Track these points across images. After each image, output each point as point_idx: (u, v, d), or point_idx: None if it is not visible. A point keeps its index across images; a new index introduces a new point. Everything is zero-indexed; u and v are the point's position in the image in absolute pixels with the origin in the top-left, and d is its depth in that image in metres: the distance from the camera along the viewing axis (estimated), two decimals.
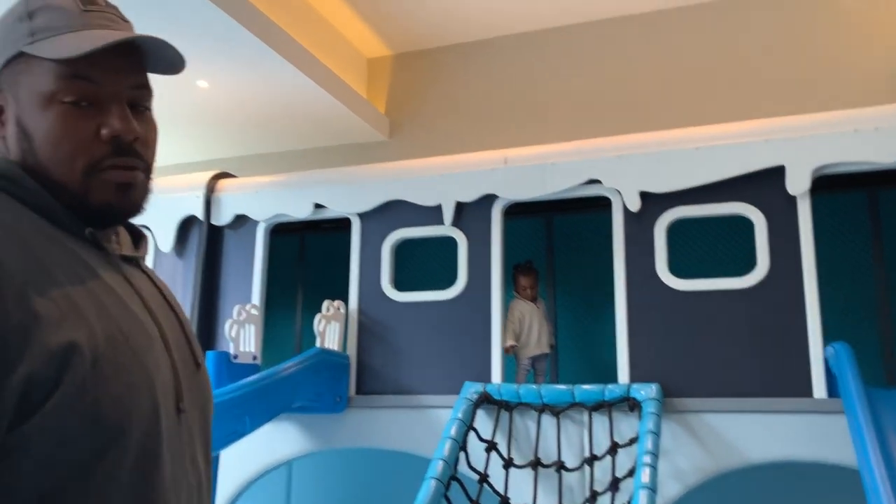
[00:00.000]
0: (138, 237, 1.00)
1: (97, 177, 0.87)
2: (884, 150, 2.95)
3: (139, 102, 0.91)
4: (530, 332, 3.75)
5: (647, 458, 2.69)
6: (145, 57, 0.92)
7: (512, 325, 3.69)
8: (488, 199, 3.52)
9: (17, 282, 0.75)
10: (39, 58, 0.86)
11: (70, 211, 0.87)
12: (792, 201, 3.06)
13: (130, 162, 0.89)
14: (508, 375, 3.47)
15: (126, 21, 0.94)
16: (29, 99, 0.86)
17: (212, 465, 1.00)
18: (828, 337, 2.97)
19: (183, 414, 0.89)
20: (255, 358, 3.57)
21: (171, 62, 0.94)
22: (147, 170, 0.92)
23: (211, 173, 4.06)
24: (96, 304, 0.81)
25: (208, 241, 3.95)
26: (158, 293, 0.97)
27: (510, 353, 3.64)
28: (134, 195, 0.90)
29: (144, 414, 0.81)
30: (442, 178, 3.59)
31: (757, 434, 2.95)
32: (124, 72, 0.89)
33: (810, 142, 3.04)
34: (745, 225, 3.17)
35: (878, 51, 4.39)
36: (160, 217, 3.94)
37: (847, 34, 4.48)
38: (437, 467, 2.89)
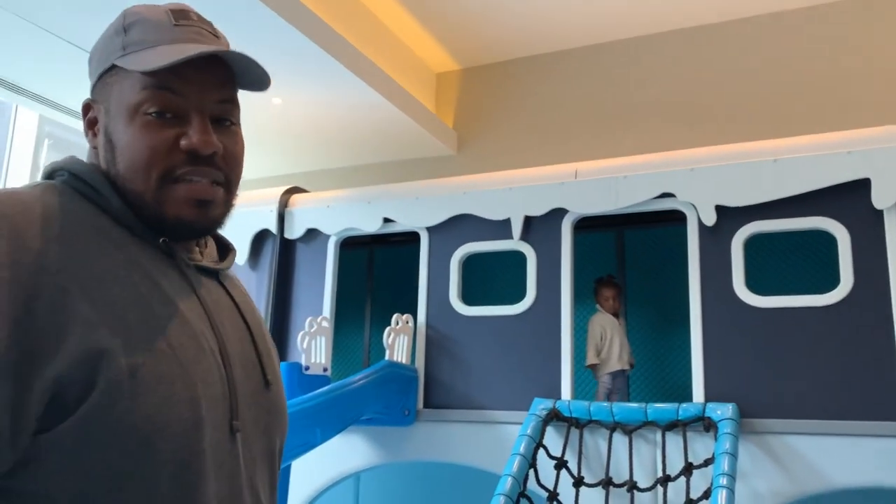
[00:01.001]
0: (226, 250, 1.01)
1: (172, 188, 0.87)
2: None
3: (224, 117, 0.92)
4: (612, 347, 3.68)
5: (724, 480, 2.61)
6: (232, 73, 0.93)
7: (594, 340, 3.64)
8: (558, 213, 3.49)
9: (56, 281, 0.75)
10: (129, 70, 0.87)
11: (145, 222, 0.87)
12: (878, 215, 2.93)
13: (209, 176, 0.88)
14: (578, 392, 3.42)
15: (218, 36, 0.95)
16: (117, 110, 0.88)
17: (276, 490, 0.96)
18: None
19: (238, 434, 0.86)
20: (325, 370, 3.62)
21: (258, 79, 0.95)
22: (228, 185, 0.91)
23: (283, 188, 4.16)
24: (146, 313, 0.80)
25: (281, 254, 4.04)
26: (233, 306, 0.95)
27: (592, 370, 3.62)
28: (211, 211, 0.90)
29: (182, 428, 0.78)
30: (511, 191, 3.58)
31: (841, 458, 2.82)
32: (209, 86, 0.89)
33: None
34: (827, 240, 3.04)
35: None
36: (235, 230, 4.04)
37: None
38: (506, 484, 2.86)
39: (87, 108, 0.94)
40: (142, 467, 0.75)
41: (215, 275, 0.96)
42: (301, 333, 3.54)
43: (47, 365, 0.71)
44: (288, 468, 3.37)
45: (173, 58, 0.84)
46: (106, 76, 0.90)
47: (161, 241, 0.88)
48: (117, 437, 0.73)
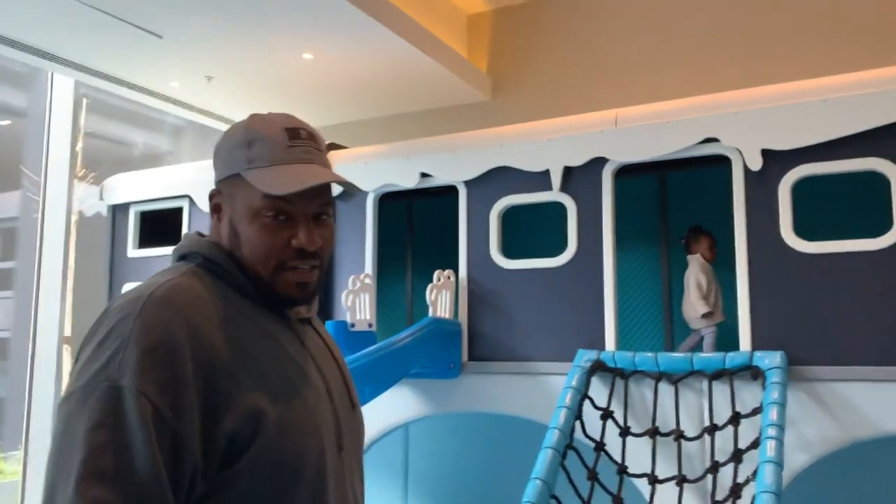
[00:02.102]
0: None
1: (283, 274, 1.11)
2: None
3: (323, 213, 1.15)
4: (719, 297, 3.60)
5: (773, 431, 2.61)
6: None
7: (700, 290, 3.55)
8: (598, 163, 3.43)
9: (227, 359, 1.01)
10: (251, 182, 1.09)
11: (261, 292, 1.12)
12: None
13: (310, 263, 1.13)
14: (622, 343, 3.42)
15: (321, 150, 1.16)
16: (241, 210, 1.11)
17: (364, 482, 1.23)
18: None
19: (343, 451, 1.12)
20: (370, 325, 3.68)
21: (349, 191, 1.22)
22: (322, 266, 1.16)
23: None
24: (280, 372, 1.06)
25: None
26: (325, 347, 1.21)
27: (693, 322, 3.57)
28: (309, 289, 1.15)
29: (314, 457, 1.06)
30: (549, 142, 3.52)
31: (891, 403, 2.79)
32: (313, 196, 1.11)
33: None
34: (880, 182, 2.94)
35: None
36: None
37: None
38: (553, 437, 2.91)
39: (213, 195, 1.16)
40: (290, 488, 1.03)
41: (308, 321, 1.20)
42: (345, 292, 3.59)
43: (223, 421, 0.97)
44: None
45: (294, 187, 1.08)
46: (232, 179, 1.13)
47: (278, 307, 1.13)
48: (273, 469, 1.01)
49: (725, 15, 4.68)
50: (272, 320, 1.12)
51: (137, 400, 0.92)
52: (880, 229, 2.91)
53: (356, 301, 3.62)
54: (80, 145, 5.91)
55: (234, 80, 5.06)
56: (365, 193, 3.99)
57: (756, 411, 2.81)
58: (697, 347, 3.59)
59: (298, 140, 1.13)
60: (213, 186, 1.17)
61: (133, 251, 4.59)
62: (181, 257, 1.14)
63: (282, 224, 1.10)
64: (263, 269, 1.10)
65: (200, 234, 1.18)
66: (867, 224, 3.06)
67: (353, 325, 3.56)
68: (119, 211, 4.71)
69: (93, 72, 4.79)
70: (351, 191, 1.21)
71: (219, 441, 0.97)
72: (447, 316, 3.64)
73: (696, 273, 3.62)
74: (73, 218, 5.80)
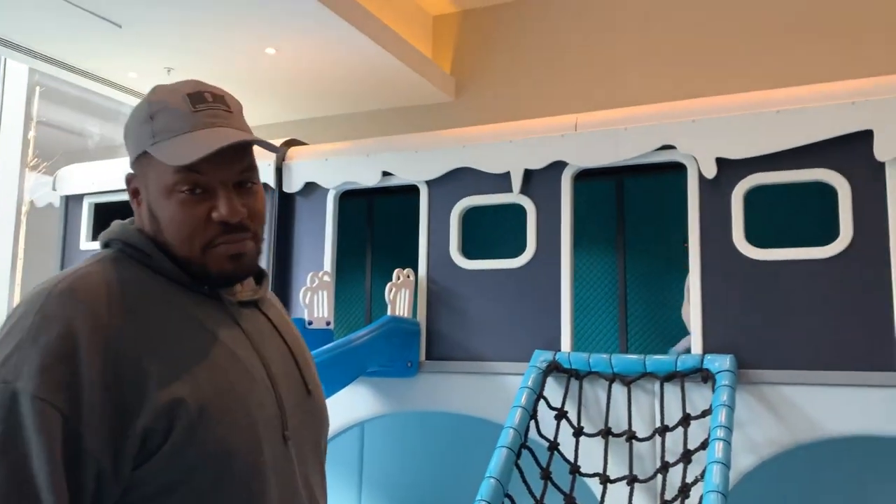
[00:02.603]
0: (261, 277, 1.16)
1: (212, 251, 1.03)
2: None
3: (246, 181, 1.06)
4: None
5: (721, 433, 2.67)
6: (248, 142, 1.06)
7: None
8: (558, 166, 3.47)
9: (134, 348, 0.93)
10: (157, 158, 1.02)
11: (191, 275, 1.04)
12: (879, 167, 2.92)
13: (238, 237, 1.04)
14: (578, 344, 3.47)
15: (231, 111, 1.07)
16: (155, 189, 1.04)
17: (325, 476, 1.16)
18: None
19: (290, 442, 1.04)
20: (328, 323, 3.66)
21: (267, 149, 1.11)
22: (256, 236, 1.07)
23: (280, 141, 4.12)
24: (205, 359, 0.98)
25: (280, 208, 4.03)
26: (273, 329, 1.12)
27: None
28: (245, 261, 1.06)
29: (245, 448, 0.97)
30: (510, 144, 3.55)
31: (835, 407, 2.89)
32: (229, 161, 1.03)
33: None
34: (828, 192, 3.04)
35: None
36: None
37: None
38: (508, 436, 2.93)
39: (129, 180, 1.09)
40: (218, 485, 0.95)
41: (254, 303, 1.12)
42: (303, 289, 3.57)
43: (136, 417, 0.90)
44: None
45: (197, 154, 0.99)
46: (142, 158, 1.05)
47: (205, 287, 1.05)
48: (196, 465, 0.93)
49: (684, 25, 4.78)
50: (202, 304, 1.03)
51: (33, 403, 0.86)
52: (829, 238, 3.00)
53: (314, 299, 3.61)
54: (32, 134, 5.76)
55: (194, 73, 4.98)
56: (325, 190, 3.97)
57: (705, 413, 2.87)
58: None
59: (203, 104, 1.04)
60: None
61: (86, 244, 4.50)
62: (105, 245, 1.07)
63: (199, 198, 1.02)
64: (190, 250, 1.02)
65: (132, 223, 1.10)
66: (818, 233, 3.15)
67: (310, 323, 3.55)
68: (72, 202, 4.61)
69: (48, 59, 4.68)
70: (268, 149, 1.11)
71: (132, 439, 0.90)
72: (406, 315, 3.65)
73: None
74: (24, 208, 5.65)
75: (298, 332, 1.20)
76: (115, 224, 1.09)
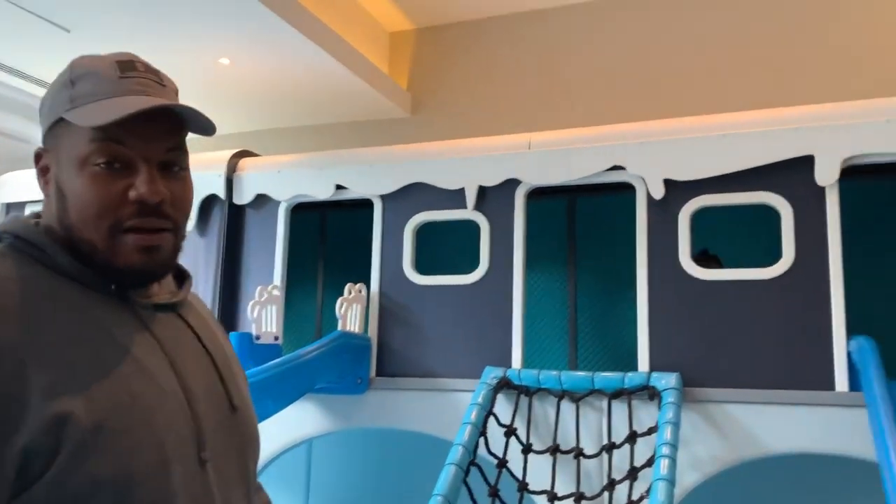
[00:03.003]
0: (182, 278, 1.04)
1: (121, 238, 0.89)
2: None
3: (173, 163, 0.94)
4: None
5: (666, 450, 2.70)
6: (180, 120, 0.96)
7: None
8: (512, 184, 3.50)
9: (14, 356, 0.79)
10: (77, 125, 0.90)
11: (96, 270, 0.90)
12: (820, 192, 3.02)
13: (156, 223, 0.91)
14: (528, 360, 3.48)
15: (164, 85, 0.97)
16: (66, 161, 0.91)
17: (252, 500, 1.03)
18: (852, 330, 2.95)
19: (208, 463, 0.90)
20: (276, 338, 3.61)
21: (202, 127, 0.98)
22: (175, 229, 0.94)
23: (232, 151, 4.06)
24: (102, 368, 0.84)
25: (230, 220, 3.97)
26: (194, 337, 0.99)
27: None
28: (160, 257, 0.92)
29: (151, 472, 0.83)
30: (465, 161, 3.57)
31: (778, 425, 2.95)
32: (156, 135, 0.91)
33: (841, 131, 2.98)
34: (772, 215, 3.12)
35: None
36: None
37: (881, 21, 4.37)
38: (457, 453, 2.92)
39: (38, 156, 0.95)
40: None
41: (173, 308, 0.98)
42: (251, 303, 3.51)
43: (13, 436, 0.76)
44: None
45: (118, 113, 0.86)
46: (55, 127, 0.93)
47: (112, 287, 0.91)
48: (89, 494, 0.79)
49: (634, 50, 4.88)
50: (105, 306, 0.89)
51: None
52: (773, 259, 3.08)
53: (262, 313, 3.55)
54: None
55: None
56: (276, 202, 3.92)
57: (652, 430, 2.91)
58: None
59: (133, 72, 0.93)
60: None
61: None
62: None
63: (116, 174, 0.89)
64: (97, 233, 0.88)
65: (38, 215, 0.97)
66: (763, 254, 3.23)
67: (258, 338, 3.49)
68: (14, 209, 4.46)
69: None
70: (205, 126, 0.97)
71: (9, 460, 0.76)
72: (357, 330, 3.62)
73: None
74: None
75: (226, 342, 1.09)
76: (11, 216, 0.99)
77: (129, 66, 0.93)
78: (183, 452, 0.88)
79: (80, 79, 0.92)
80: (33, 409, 0.78)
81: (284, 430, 3.60)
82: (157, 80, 0.96)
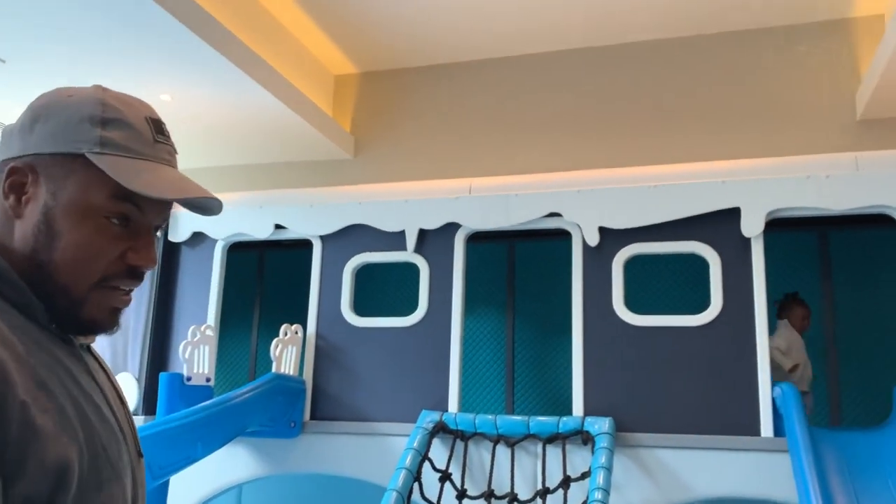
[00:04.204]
0: None
1: (101, 293, 0.88)
2: (834, 197, 3.05)
3: (159, 228, 0.94)
4: (805, 368, 3.51)
5: (599, 495, 2.72)
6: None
7: (780, 352, 3.46)
8: (452, 227, 3.53)
9: (21, 398, 0.75)
10: (99, 169, 0.85)
11: (50, 312, 0.86)
12: (746, 242, 3.14)
13: (134, 286, 0.91)
14: (466, 404, 3.48)
15: (177, 152, 0.96)
16: (70, 201, 0.86)
17: None
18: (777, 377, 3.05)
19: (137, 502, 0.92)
20: (208, 380, 3.52)
21: (212, 211, 0.95)
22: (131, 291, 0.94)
23: None
24: (80, 414, 0.82)
25: (164, 258, 3.89)
26: (108, 380, 0.96)
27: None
28: (118, 318, 0.92)
29: None
30: (406, 204, 3.59)
31: (705, 470, 3.01)
32: (165, 206, 0.91)
33: (765, 186, 3.12)
34: (701, 264, 3.23)
35: (832, 100, 4.55)
36: None
37: (803, 83, 4.64)
38: (391, 499, 2.88)
39: (15, 170, 0.87)
40: None
41: (88, 348, 0.96)
42: (184, 343, 3.43)
43: (15, 481, 0.74)
44: (167, 483, 3.25)
45: (168, 191, 0.87)
46: (66, 159, 0.86)
47: (53, 326, 0.88)
48: None
49: (572, 102, 5.04)
50: (59, 346, 0.87)
51: None
52: (702, 307, 3.17)
53: (194, 353, 3.46)
54: None
55: None
56: (213, 241, 3.87)
57: (585, 475, 2.93)
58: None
59: (162, 136, 0.92)
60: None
61: None
62: None
63: (122, 232, 0.88)
64: (82, 280, 0.86)
65: None
66: (695, 301, 3.33)
67: (189, 379, 3.40)
68: None
69: None
70: (215, 211, 0.95)
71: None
72: (292, 372, 3.56)
73: (778, 337, 3.55)
74: None
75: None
76: None
77: (160, 129, 0.91)
78: (129, 496, 0.89)
79: (113, 123, 0.88)
80: (35, 454, 0.75)
81: (213, 474, 3.49)
82: (174, 148, 0.95)
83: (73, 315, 0.87)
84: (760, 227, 3.11)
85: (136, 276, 0.89)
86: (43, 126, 0.88)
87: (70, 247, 0.85)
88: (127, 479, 0.87)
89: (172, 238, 3.89)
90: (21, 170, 0.87)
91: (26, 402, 0.75)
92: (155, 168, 0.88)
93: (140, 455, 0.96)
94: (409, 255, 3.58)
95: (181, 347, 3.40)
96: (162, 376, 3.34)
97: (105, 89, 0.91)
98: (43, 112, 0.88)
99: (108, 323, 0.90)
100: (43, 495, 0.75)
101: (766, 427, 2.98)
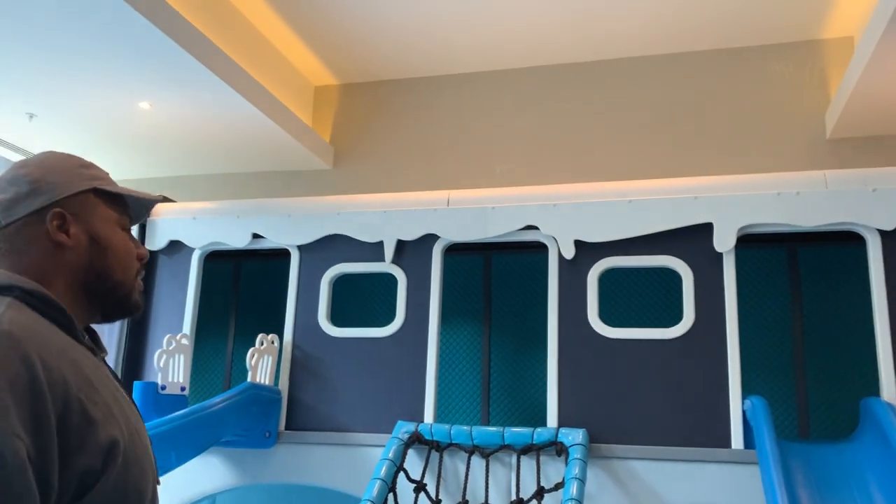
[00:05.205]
0: (94, 333, 1.25)
1: (136, 280, 1.22)
2: (803, 213, 3.12)
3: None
4: None
5: None
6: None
7: None
8: (430, 239, 3.56)
9: (75, 393, 0.98)
10: (107, 195, 1.20)
11: (115, 304, 1.20)
12: (718, 257, 3.20)
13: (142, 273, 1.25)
14: (441, 415, 3.49)
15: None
16: (104, 222, 1.19)
17: None
18: (747, 389, 3.10)
19: (158, 485, 1.16)
20: (183, 389, 3.50)
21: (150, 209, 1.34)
22: None
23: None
24: (117, 404, 1.06)
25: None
26: (117, 381, 1.18)
27: None
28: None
29: (151, 487, 1.09)
30: (385, 215, 3.62)
31: (677, 481, 3.05)
32: (133, 214, 1.27)
33: (737, 202, 3.19)
34: (675, 278, 3.29)
35: (802, 119, 4.66)
36: None
37: (775, 103, 4.75)
38: None
39: (61, 215, 1.15)
40: None
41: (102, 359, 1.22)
42: (159, 351, 3.41)
43: (77, 458, 0.96)
44: None
45: (147, 197, 1.26)
46: (82, 195, 1.17)
47: (86, 339, 1.12)
48: (123, 498, 1.01)
49: (550, 117, 5.11)
50: (88, 353, 1.10)
51: (12, 441, 0.88)
52: (675, 320, 3.22)
53: (169, 362, 3.45)
54: None
55: (60, 121, 4.77)
56: (190, 249, 3.86)
57: (558, 486, 2.95)
58: None
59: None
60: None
61: None
62: None
63: (128, 236, 1.23)
64: (129, 272, 1.20)
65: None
66: (669, 314, 3.38)
67: (163, 388, 3.38)
68: None
69: None
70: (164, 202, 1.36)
71: (71, 478, 0.95)
72: (267, 382, 3.55)
73: None
74: None
75: None
76: (2, 272, 1.11)
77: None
78: (153, 476, 1.12)
79: (90, 166, 1.22)
80: (90, 437, 0.97)
81: (187, 484, 3.46)
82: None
83: (126, 300, 1.20)
84: (732, 242, 3.17)
85: (144, 266, 1.25)
86: (49, 179, 1.16)
87: (118, 251, 1.18)
88: (151, 456, 1.12)
89: (149, 246, 3.87)
90: (60, 213, 1.15)
91: (81, 398, 0.98)
92: (124, 185, 1.25)
93: (149, 441, 1.19)
94: (386, 266, 3.60)
95: (156, 356, 3.38)
96: (136, 385, 3.32)
97: (59, 154, 1.24)
98: (48, 174, 1.16)
99: (140, 303, 1.23)
100: (97, 467, 0.97)
101: (737, 439, 3.02)
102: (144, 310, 3.84)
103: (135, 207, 1.25)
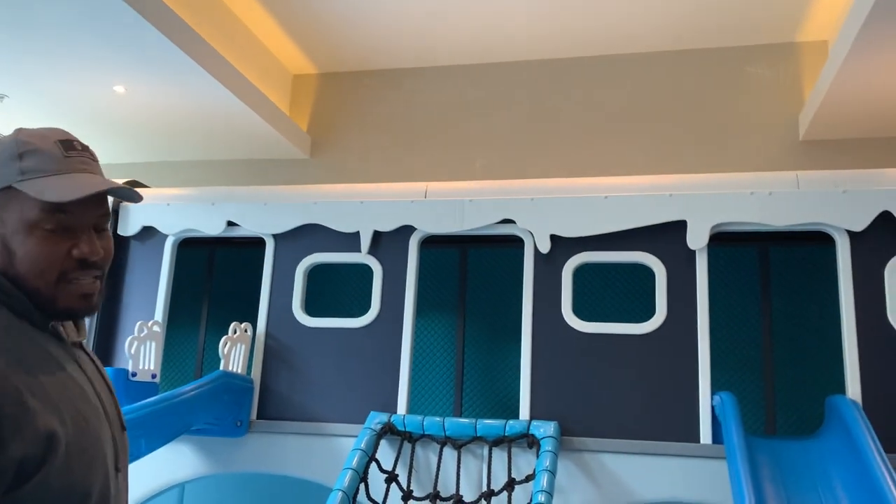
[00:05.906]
0: (79, 323, 1.22)
1: (65, 287, 1.10)
2: (776, 213, 3.17)
3: (101, 225, 1.15)
4: None
5: (542, 497, 2.77)
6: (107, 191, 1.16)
7: None
8: (406, 230, 3.56)
9: (12, 383, 0.97)
10: (26, 193, 1.07)
11: (39, 311, 1.09)
12: (691, 254, 3.24)
13: (92, 274, 1.12)
14: (414, 406, 3.50)
15: (96, 160, 1.17)
16: (15, 224, 1.08)
17: None
18: (716, 385, 3.15)
19: (119, 473, 1.14)
20: (154, 377, 3.47)
21: (131, 198, 1.23)
22: (103, 276, 1.16)
23: (120, 182, 3.93)
24: (65, 394, 1.04)
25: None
26: (97, 371, 1.19)
27: None
28: (94, 300, 1.14)
29: (100, 480, 1.06)
30: (361, 205, 3.60)
31: (646, 475, 3.09)
32: (93, 206, 1.12)
33: (711, 201, 3.23)
34: (648, 274, 3.32)
35: (776, 120, 4.72)
36: None
37: (750, 103, 4.81)
38: (336, 499, 2.88)
39: None
40: None
41: (80, 345, 1.20)
42: (130, 338, 3.37)
43: (13, 448, 0.95)
44: None
45: (72, 193, 1.06)
46: (2, 193, 1.09)
47: (50, 326, 1.11)
48: (62, 494, 1.00)
49: (526, 112, 5.13)
50: (49, 342, 1.10)
51: None
52: (648, 316, 3.26)
53: (140, 349, 3.41)
54: None
55: (32, 103, 4.68)
56: (164, 236, 3.81)
57: (529, 478, 2.97)
58: None
59: (74, 151, 1.13)
60: None
61: None
62: None
63: (60, 237, 1.09)
64: (43, 282, 1.08)
65: None
66: (641, 310, 3.42)
67: (134, 375, 3.35)
68: None
69: None
70: (132, 199, 1.22)
71: (8, 464, 0.95)
72: (240, 371, 3.53)
73: None
74: None
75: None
76: None
77: (70, 146, 1.12)
78: (110, 465, 1.10)
79: (27, 154, 1.09)
80: (26, 427, 0.96)
81: (156, 472, 3.43)
82: (91, 157, 1.15)
83: (52, 308, 1.10)
84: (705, 239, 3.21)
85: (89, 266, 1.11)
86: None
87: (25, 258, 1.08)
88: (108, 448, 1.10)
89: (122, 232, 3.82)
90: None
91: (18, 387, 0.97)
92: (70, 177, 1.08)
93: (123, 429, 1.20)
94: (362, 257, 3.59)
95: (127, 343, 3.35)
96: (107, 371, 3.28)
97: (21, 130, 1.14)
98: None
99: (84, 307, 1.12)
100: (36, 457, 0.96)
101: (706, 434, 3.07)
102: (115, 296, 3.80)
103: (83, 201, 1.09)
